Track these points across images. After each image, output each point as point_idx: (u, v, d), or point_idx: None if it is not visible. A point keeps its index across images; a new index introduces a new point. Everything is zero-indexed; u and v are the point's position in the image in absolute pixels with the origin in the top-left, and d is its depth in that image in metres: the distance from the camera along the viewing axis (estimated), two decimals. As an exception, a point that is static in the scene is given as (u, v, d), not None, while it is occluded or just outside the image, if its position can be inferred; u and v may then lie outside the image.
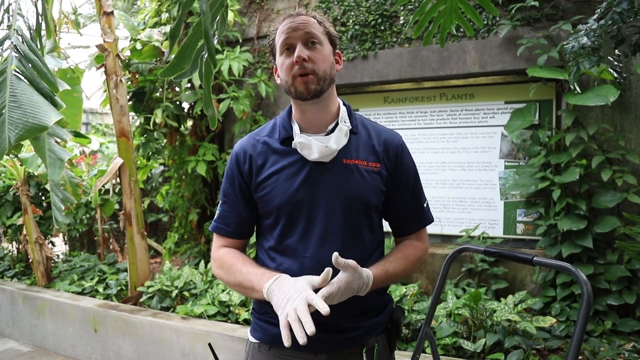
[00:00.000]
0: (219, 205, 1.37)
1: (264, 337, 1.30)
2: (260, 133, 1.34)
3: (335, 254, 1.07)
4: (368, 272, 1.18)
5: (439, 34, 1.70)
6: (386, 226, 1.39)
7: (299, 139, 1.24)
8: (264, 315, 1.30)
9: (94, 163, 7.04)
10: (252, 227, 1.37)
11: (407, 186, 1.34)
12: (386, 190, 1.30)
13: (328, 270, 1.10)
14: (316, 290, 1.09)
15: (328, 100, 1.28)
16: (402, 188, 1.33)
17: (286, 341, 1.01)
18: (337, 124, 1.27)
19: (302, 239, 1.24)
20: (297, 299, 1.05)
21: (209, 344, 1.36)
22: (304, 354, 1.24)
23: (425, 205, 1.38)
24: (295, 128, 1.28)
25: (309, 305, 1.03)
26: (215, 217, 1.36)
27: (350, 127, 1.29)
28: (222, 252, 1.32)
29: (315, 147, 1.22)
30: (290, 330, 1.02)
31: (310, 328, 0.99)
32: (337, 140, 1.25)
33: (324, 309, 1.01)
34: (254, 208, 1.32)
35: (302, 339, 0.99)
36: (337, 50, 1.31)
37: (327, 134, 1.27)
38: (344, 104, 1.34)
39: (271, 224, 1.29)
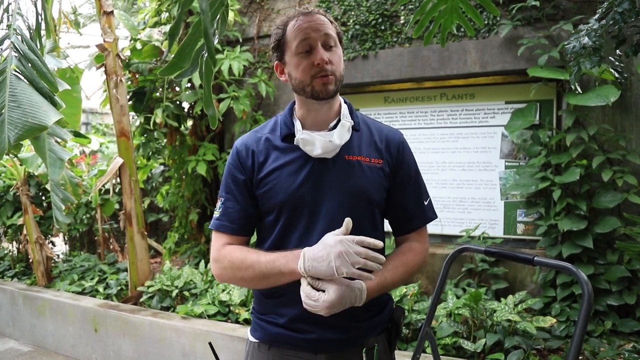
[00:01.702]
0: (220, 203, 1.31)
1: (264, 336, 1.29)
2: (262, 130, 1.33)
3: (347, 219, 1.12)
4: (360, 283, 1.14)
5: (439, 34, 1.70)
6: (387, 226, 1.38)
7: (302, 135, 1.23)
8: (264, 315, 1.30)
9: (94, 163, 7.03)
10: (255, 224, 1.33)
11: (408, 183, 1.33)
12: (388, 186, 1.30)
13: (348, 219, 1.11)
14: None
15: (335, 100, 1.29)
16: (403, 185, 1.32)
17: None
18: (339, 121, 1.27)
19: (303, 236, 1.23)
20: (347, 246, 1.07)
21: (210, 343, 1.36)
22: (304, 353, 1.24)
23: (426, 202, 1.36)
24: (297, 125, 1.27)
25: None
26: (218, 214, 1.30)
27: (352, 123, 1.29)
28: (227, 249, 1.25)
29: (318, 142, 1.22)
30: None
31: (381, 258, 1.08)
32: (340, 135, 1.24)
33: (375, 242, 1.08)
34: (257, 204, 1.29)
35: (377, 268, 1.08)
36: None
37: (329, 131, 1.26)
38: (345, 102, 1.34)
39: (272, 221, 1.26)
